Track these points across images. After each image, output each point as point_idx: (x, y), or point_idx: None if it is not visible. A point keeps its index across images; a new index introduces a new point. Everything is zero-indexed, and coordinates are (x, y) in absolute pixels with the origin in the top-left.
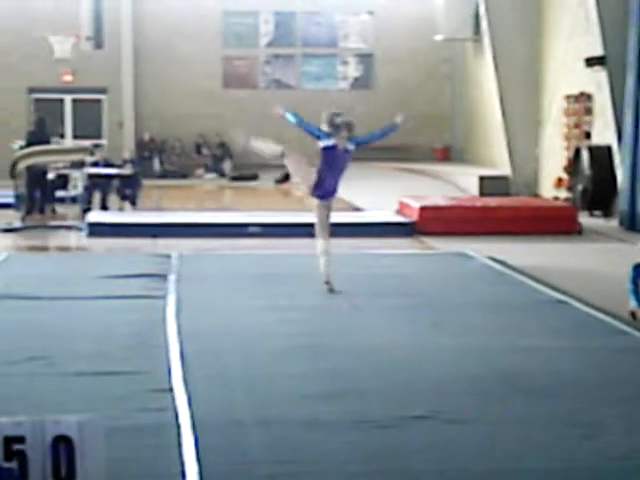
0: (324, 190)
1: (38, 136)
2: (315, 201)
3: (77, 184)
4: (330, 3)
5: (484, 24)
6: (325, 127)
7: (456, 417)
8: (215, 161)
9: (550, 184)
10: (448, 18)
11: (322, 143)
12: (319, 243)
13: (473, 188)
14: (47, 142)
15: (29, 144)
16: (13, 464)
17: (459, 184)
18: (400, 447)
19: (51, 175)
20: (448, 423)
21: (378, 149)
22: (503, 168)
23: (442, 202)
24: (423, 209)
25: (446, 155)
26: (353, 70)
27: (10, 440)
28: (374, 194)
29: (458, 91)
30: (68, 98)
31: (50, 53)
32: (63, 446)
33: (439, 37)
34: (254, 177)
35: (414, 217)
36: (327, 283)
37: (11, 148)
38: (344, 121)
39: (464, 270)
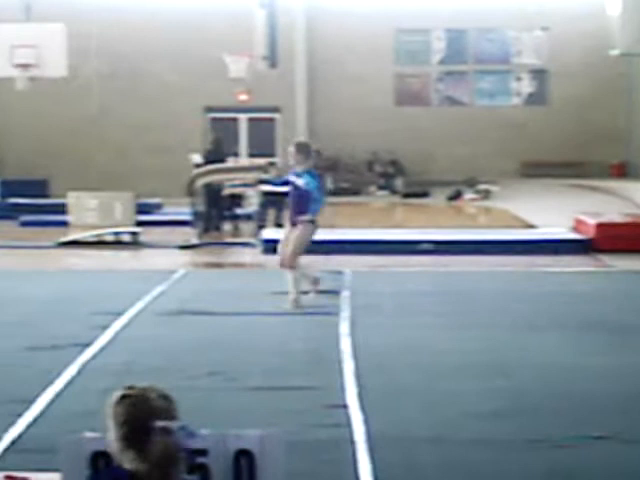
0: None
1: (215, 155)
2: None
3: (252, 201)
4: (503, 19)
5: None
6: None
7: (637, 438)
8: (387, 178)
9: None
10: (624, 33)
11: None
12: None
13: None
14: (223, 161)
15: (206, 162)
16: (196, 477)
17: (636, 201)
18: (576, 468)
19: (227, 193)
20: (627, 443)
21: (552, 165)
22: None
23: (619, 219)
24: (599, 226)
25: (622, 171)
26: (527, 86)
27: (194, 453)
28: (548, 211)
29: (635, 106)
30: (243, 117)
31: (225, 73)
32: (245, 460)
33: (615, 52)
34: (426, 194)
35: (590, 234)
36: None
37: (190, 160)
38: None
39: None
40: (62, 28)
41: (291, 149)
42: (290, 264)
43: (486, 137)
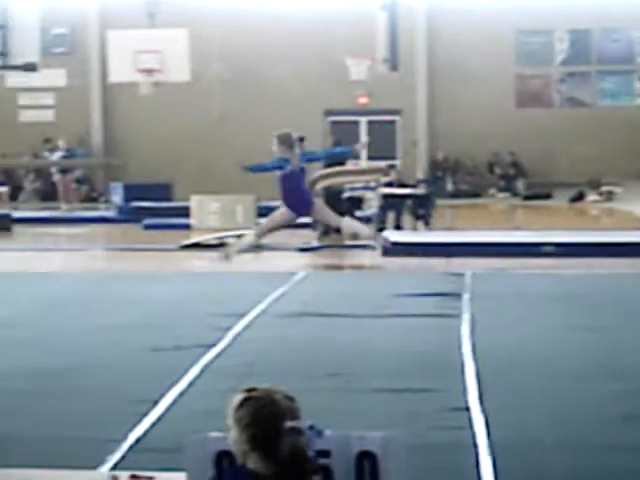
0: None
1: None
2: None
3: (372, 204)
4: (628, 19)
5: None
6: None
7: None
8: (508, 180)
9: None
10: None
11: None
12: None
13: None
14: (342, 164)
15: (326, 166)
16: (319, 478)
17: None
18: None
19: (347, 195)
20: None
21: None
22: None
23: None
24: None
25: None
26: None
27: (317, 454)
28: None
29: None
30: (363, 120)
31: (346, 76)
32: (367, 462)
33: None
34: (548, 196)
35: None
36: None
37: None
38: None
39: None
40: (185, 33)
41: (274, 140)
42: (257, 232)
43: (609, 138)
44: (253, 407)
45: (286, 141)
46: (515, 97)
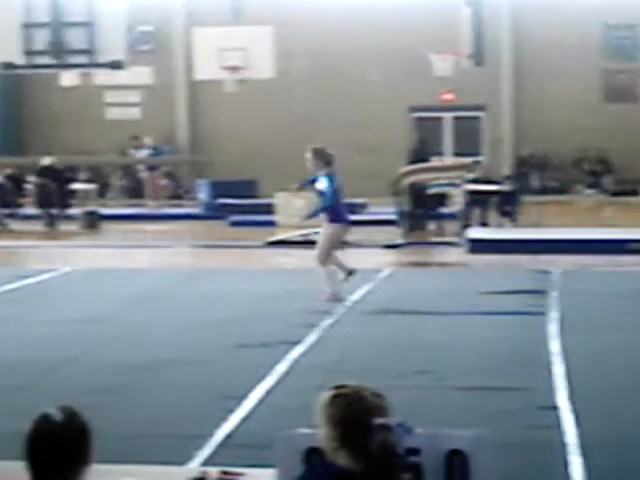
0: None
1: (418, 154)
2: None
3: (456, 201)
4: None
5: None
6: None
7: None
8: (595, 176)
9: None
10: None
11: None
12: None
13: None
14: (427, 160)
15: (410, 162)
16: (408, 475)
17: None
18: None
19: (431, 192)
20: None
21: None
22: None
23: None
24: None
25: None
26: None
27: (407, 452)
28: None
29: None
30: (448, 116)
31: (430, 72)
32: (457, 460)
33: None
34: (636, 192)
35: None
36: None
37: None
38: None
39: None
40: (270, 31)
41: (308, 155)
42: (320, 262)
43: None
44: (342, 404)
45: (324, 156)
46: (601, 92)
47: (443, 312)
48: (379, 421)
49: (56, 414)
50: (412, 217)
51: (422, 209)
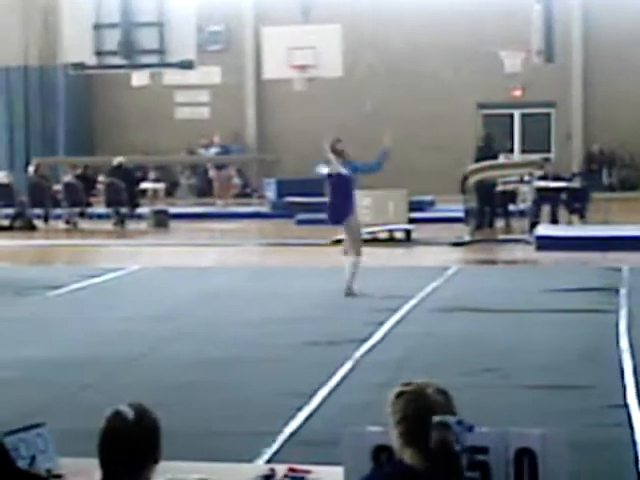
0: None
1: (486, 151)
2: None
3: (526, 198)
4: None
5: None
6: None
7: None
8: None
9: None
10: None
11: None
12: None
13: None
14: (495, 157)
15: (478, 159)
16: (476, 474)
17: None
18: None
19: (500, 189)
20: None
21: None
22: None
23: None
24: None
25: None
26: None
27: (474, 450)
28: None
29: None
30: (517, 113)
31: (500, 68)
32: (526, 459)
33: None
34: None
35: None
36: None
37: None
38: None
39: None
40: (339, 29)
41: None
42: (357, 253)
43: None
44: (405, 401)
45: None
46: None
47: (511, 310)
48: (437, 418)
49: (128, 411)
50: (480, 214)
51: (490, 206)
